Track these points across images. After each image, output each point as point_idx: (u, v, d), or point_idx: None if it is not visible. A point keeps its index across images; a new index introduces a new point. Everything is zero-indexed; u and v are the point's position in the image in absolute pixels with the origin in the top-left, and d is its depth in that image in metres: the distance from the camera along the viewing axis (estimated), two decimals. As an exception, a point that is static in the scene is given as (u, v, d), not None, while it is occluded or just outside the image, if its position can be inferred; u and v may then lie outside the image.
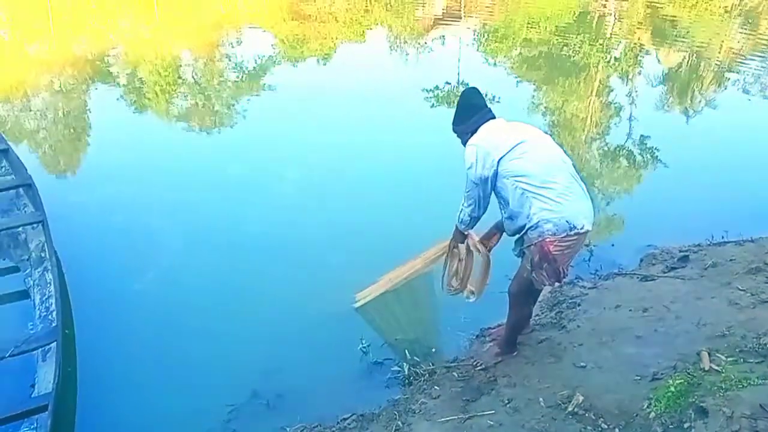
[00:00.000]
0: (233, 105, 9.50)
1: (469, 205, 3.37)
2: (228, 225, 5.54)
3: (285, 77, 11.14)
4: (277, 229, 5.47)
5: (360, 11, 18.03)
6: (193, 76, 11.48)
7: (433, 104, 9.70)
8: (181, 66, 11.98)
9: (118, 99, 9.58)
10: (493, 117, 3.39)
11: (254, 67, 11.66)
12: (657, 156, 7.53)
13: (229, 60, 12.55)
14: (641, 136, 8.17)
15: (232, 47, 13.77)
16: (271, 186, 6.35)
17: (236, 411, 3.62)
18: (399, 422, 3.35)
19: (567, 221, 3.11)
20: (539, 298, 3.93)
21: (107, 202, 5.90)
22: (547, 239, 3.14)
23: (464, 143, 3.40)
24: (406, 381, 3.75)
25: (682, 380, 3.07)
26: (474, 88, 3.52)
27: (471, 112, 3.38)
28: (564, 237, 3.13)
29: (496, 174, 3.21)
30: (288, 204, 5.94)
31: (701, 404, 2.90)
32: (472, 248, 3.66)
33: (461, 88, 10.42)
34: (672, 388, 3.04)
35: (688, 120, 9.62)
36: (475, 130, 3.32)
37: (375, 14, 17.92)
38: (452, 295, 3.86)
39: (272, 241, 5.30)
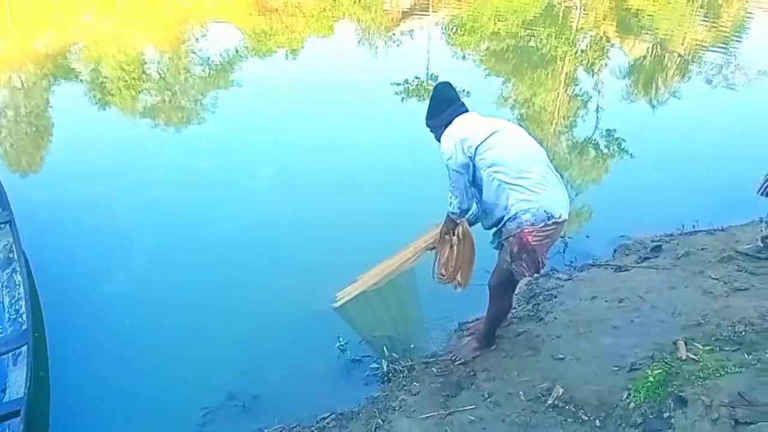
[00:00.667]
0: (201, 100, 9.34)
1: (456, 197, 3.31)
2: (200, 223, 5.42)
3: (253, 72, 11.02)
4: (250, 227, 5.38)
5: (328, 4, 17.90)
6: (158, 72, 11.26)
7: (403, 98, 9.69)
8: (146, 61, 11.75)
9: (82, 96, 9.37)
10: (467, 110, 3.37)
11: (221, 62, 11.50)
12: (624, 147, 7.63)
13: (195, 55, 12.36)
14: (608, 128, 8.26)
15: (198, 42, 13.56)
16: (243, 182, 6.24)
17: (212, 414, 3.54)
18: (379, 420, 3.31)
19: (545, 211, 3.11)
20: (516, 291, 3.90)
21: (76, 201, 5.76)
22: (526, 230, 3.13)
23: (438, 138, 3.37)
24: (385, 378, 3.72)
25: (661, 370, 3.09)
26: (446, 82, 3.50)
27: (444, 105, 3.36)
28: (542, 227, 3.13)
29: (472, 165, 3.19)
30: (260, 200, 5.86)
31: (680, 393, 2.91)
32: (462, 236, 3.57)
33: (431, 82, 10.45)
34: (651, 378, 3.06)
35: (653, 110, 9.78)
36: (449, 124, 3.30)
37: (343, 7, 17.81)
38: (442, 284, 3.79)
39: (246, 238, 5.21)
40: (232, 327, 4.19)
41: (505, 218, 3.21)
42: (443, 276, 3.72)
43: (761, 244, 4.21)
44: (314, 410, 3.54)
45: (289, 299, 4.40)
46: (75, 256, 4.91)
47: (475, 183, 3.27)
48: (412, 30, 15.81)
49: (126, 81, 10.20)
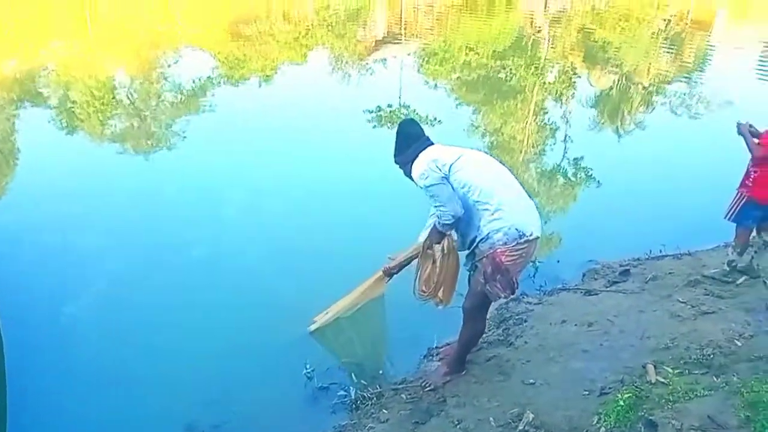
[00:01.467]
0: (171, 126, 9.25)
1: (445, 205, 3.19)
2: (166, 249, 5.30)
3: (225, 98, 10.98)
4: (215, 253, 5.28)
5: (301, 32, 18.03)
6: (128, 97, 11.17)
7: (375, 125, 9.70)
8: (116, 86, 11.65)
9: (49, 120, 9.21)
10: (432, 144, 3.41)
11: (193, 88, 11.44)
12: (591, 175, 7.71)
13: (167, 80, 12.30)
14: (575, 156, 8.36)
15: (170, 67, 13.51)
16: (211, 208, 6.13)
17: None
18: (346, 449, 3.23)
19: (516, 229, 3.12)
20: (486, 315, 3.87)
21: (39, 225, 5.64)
22: (498, 250, 3.12)
23: (406, 173, 3.42)
24: (353, 405, 3.63)
25: (630, 394, 3.06)
26: (410, 119, 3.60)
27: (409, 141, 3.40)
28: (515, 246, 3.12)
29: (448, 179, 3.19)
30: (228, 226, 5.76)
31: (650, 417, 2.89)
32: (447, 250, 3.49)
33: (403, 110, 10.53)
34: (621, 402, 3.03)
35: (619, 140, 9.96)
36: (416, 158, 3.33)
37: (317, 35, 17.96)
38: (423, 301, 3.72)
39: (211, 264, 5.12)
40: (195, 354, 4.06)
41: (478, 239, 3.21)
42: (424, 292, 3.64)
43: (727, 268, 4.25)
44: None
45: (255, 326, 4.32)
46: (37, 279, 4.78)
47: None
48: (385, 59, 15.97)
49: (95, 106, 10.09)
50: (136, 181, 6.97)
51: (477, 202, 3.17)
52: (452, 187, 3.20)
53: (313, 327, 4.02)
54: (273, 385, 3.86)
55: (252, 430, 3.56)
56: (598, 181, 7.45)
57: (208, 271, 5.02)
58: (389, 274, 3.93)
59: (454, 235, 3.45)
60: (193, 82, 11.69)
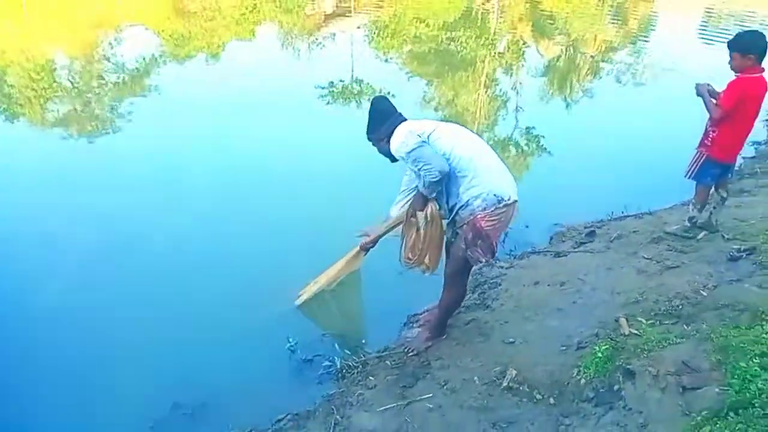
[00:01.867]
0: (116, 108, 8.90)
1: (430, 163, 3.19)
2: (130, 234, 5.16)
3: (171, 77, 10.68)
4: (184, 233, 5.20)
5: (248, 7, 17.65)
6: (69, 79, 10.74)
7: (328, 101, 9.64)
8: (55, 69, 11.18)
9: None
10: (405, 119, 3.43)
11: (137, 67, 11.07)
12: (543, 144, 7.88)
13: (109, 60, 11.86)
14: (528, 126, 8.53)
15: (112, 47, 13.02)
16: (170, 191, 6.00)
17: (158, 426, 3.41)
18: (337, 416, 3.29)
19: (494, 195, 3.20)
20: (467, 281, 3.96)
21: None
22: (478, 215, 3.21)
23: (381, 150, 3.46)
24: (339, 375, 3.69)
25: (607, 346, 3.21)
26: (382, 96, 3.58)
27: (383, 118, 3.43)
28: (494, 210, 3.21)
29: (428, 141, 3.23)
30: (190, 209, 5.63)
31: (628, 366, 3.04)
32: (430, 217, 3.47)
33: (355, 85, 10.48)
34: (599, 354, 3.17)
35: (569, 108, 10.17)
36: (391, 134, 3.35)
37: (264, 11, 17.60)
38: (409, 269, 3.74)
39: (180, 245, 5.04)
40: (174, 337, 4.03)
41: (458, 206, 3.28)
42: (410, 260, 3.66)
43: (688, 224, 4.45)
44: (268, 412, 3.47)
45: (232, 305, 4.30)
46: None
47: None
48: (335, 33, 15.80)
49: (35, 90, 9.68)
50: (85, 166, 6.75)
51: (455, 169, 3.23)
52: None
53: (299, 301, 4.05)
54: (257, 361, 3.88)
55: (239, 404, 3.56)
56: (552, 150, 7.61)
57: (175, 255, 4.95)
58: (366, 249, 4.01)
59: (437, 202, 3.48)
60: (137, 61, 11.32)
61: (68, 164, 6.80)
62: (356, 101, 9.80)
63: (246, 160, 6.78)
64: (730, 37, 4.05)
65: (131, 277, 4.61)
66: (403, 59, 13.14)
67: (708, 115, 4.10)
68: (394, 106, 3.49)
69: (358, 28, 16.27)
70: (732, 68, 3.98)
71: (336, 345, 3.91)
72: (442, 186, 3.30)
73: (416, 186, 3.46)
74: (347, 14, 17.92)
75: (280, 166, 6.65)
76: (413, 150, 3.21)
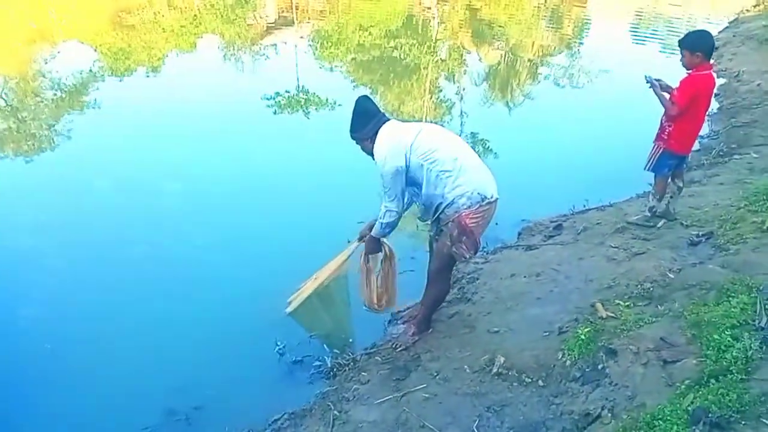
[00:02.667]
0: (55, 126, 8.53)
1: (393, 200, 3.44)
2: (101, 248, 5.12)
3: (112, 91, 10.30)
4: (151, 246, 5.18)
5: (188, 19, 17.43)
6: (2, 97, 10.36)
7: (275, 111, 9.62)
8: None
9: None
10: (388, 119, 3.55)
11: (75, 83, 10.74)
12: (490, 146, 8.04)
13: (45, 77, 11.48)
14: (473, 131, 8.69)
15: (47, 63, 12.61)
16: (128, 202, 5.96)
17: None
18: (335, 412, 3.37)
19: (478, 193, 3.35)
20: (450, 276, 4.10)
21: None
22: (463, 213, 3.35)
23: (364, 148, 3.56)
24: (331, 373, 3.78)
25: (589, 328, 3.42)
26: (366, 96, 3.66)
27: (367, 118, 3.51)
28: (477, 208, 3.36)
29: (408, 164, 3.37)
30: (153, 218, 5.64)
31: (610, 346, 3.25)
32: (389, 254, 3.82)
33: (302, 95, 10.52)
34: (582, 336, 3.37)
35: (511, 111, 10.48)
36: (375, 134, 3.46)
37: (205, 22, 17.41)
38: (375, 313, 4.06)
39: (152, 257, 5.02)
40: (163, 345, 4.05)
41: (443, 205, 3.41)
42: (375, 305, 3.98)
43: (648, 214, 4.74)
44: (264, 414, 3.52)
45: (219, 311, 4.35)
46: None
47: (415, 182, 3.44)
48: (278, 43, 15.78)
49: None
50: (32, 186, 6.55)
51: (441, 171, 3.35)
52: (408, 170, 3.37)
53: (290, 309, 4.10)
54: (248, 365, 3.95)
55: (233, 407, 3.60)
56: (500, 152, 7.71)
57: (151, 265, 4.93)
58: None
59: (387, 241, 3.81)
60: (75, 77, 10.99)
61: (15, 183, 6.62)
62: (303, 110, 9.83)
63: (197, 170, 6.73)
64: (680, 37, 4.34)
65: (112, 288, 4.58)
66: (348, 68, 13.22)
67: (663, 111, 4.38)
68: (377, 106, 3.58)
69: (302, 38, 16.29)
70: (683, 65, 4.27)
71: (324, 345, 4.00)
72: (427, 189, 3.42)
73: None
74: (289, 24, 17.91)
75: (235, 175, 6.65)
76: (388, 175, 3.36)
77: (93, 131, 8.23)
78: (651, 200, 4.71)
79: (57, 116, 8.94)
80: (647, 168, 4.57)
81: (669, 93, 4.29)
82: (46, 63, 12.64)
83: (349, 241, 4.04)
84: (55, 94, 10.20)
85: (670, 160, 4.47)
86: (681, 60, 4.26)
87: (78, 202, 5.94)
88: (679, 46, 4.25)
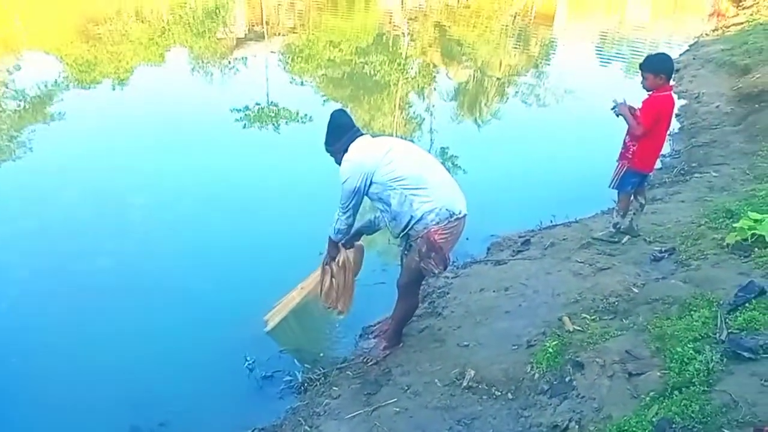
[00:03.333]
0: (17, 138, 8.37)
1: (345, 213, 3.55)
2: (66, 259, 5.06)
3: (77, 103, 10.16)
4: (118, 257, 5.13)
5: (157, 32, 17.30)
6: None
7: (245, 125, 9.59)
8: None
9: None
10: (362, 134, 3.60)
11: (40, 93, 10.54)
12: (458, 163, 8.08)
13: (6, 87, 11.26)
14: (442, 146, 8.77)
15: (10, 73, 12.37)
16: (97, 218, 5.87)
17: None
18: (306, 427, 3.38)
19: (447, 209, 3.41)
20: (419, 291, 4.13)
21: None
22: (432, 229, 3.40)
23: (338, 161, 3.59)
24: (301, 388, 3.79)
25: (556, 342, 3.48)
26: (341, 110, 3.72)
27: (341, 131, 3.56)
28: (446, 224, 3.41)
29: (369, 184, 3.44)
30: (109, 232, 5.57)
31: (577, 359, 3.32)
32: (341, 264, 3.87)
33: (272, 108, 10.52)
34: (549, 350, 3.44)
35: (479, 129, 10.62)
36: (347, 148, 3.51)
37: (174, 35, 17.31)
38: (327, 311, 4.05)
39: (119, 271, 4.97)
40: (128, 358, 4.00)
41: (412, 221, 3.45)
42: (326, 304, 4.01)
43: (613, 230, 4.85)
44: (233, 430, 3.50)
45: (187, 327, 4.32)
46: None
47: (383, 200, 3.48)
48: (247, 57, 15.77)
49: None
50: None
51: (408, 189, 3.40)
52: (369, 187, 3.45)
53: (269, 327, 4.09)
54: (216, 381, 3.92)
55: (202, 424, 3.58)
56: (468, 168, 7.73)
57: (112, 281, 4.86)
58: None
59: (346, 252, 3.89)
60: (38, 88, 10.79)
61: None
62: (273, 124, 9.83)
63: (165, 183, 6.71)
64: (641, 60, 4.48)
65: (83, 297, 4.51)
66: (318, 83, 13.25)
67: (627, 131, 4.50)
68: (352, 120, 3.62)
69: (272, 52, 16.31)
70: (645, 87, 4.41)
71: (295, 360, 4.01)
72: (395, 207, 3.46)
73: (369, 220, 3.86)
74: (259, 38, 17.91)
75: (203, 188, 6.64)
76: (347, 190, 3.45)
77: (57, 143, 8.09)
78: (615, 217, 4.82)
79: (19, 127, 8.77)
80: (612, 186, 4.69)
81: (633, 113, 4.42)
82: (8, 73, 12.41)
83: (321, 253, 4.04)
84: (18, 104, 10.00)
85: (633, 178, 4.59)
86: (642, 82, 4.40)
87: (42, 213, 5.85)
88: (641, 68, 4.39)
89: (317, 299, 4.10)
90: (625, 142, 4.55)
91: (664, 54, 4.51)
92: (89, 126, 8.68)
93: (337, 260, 3.86)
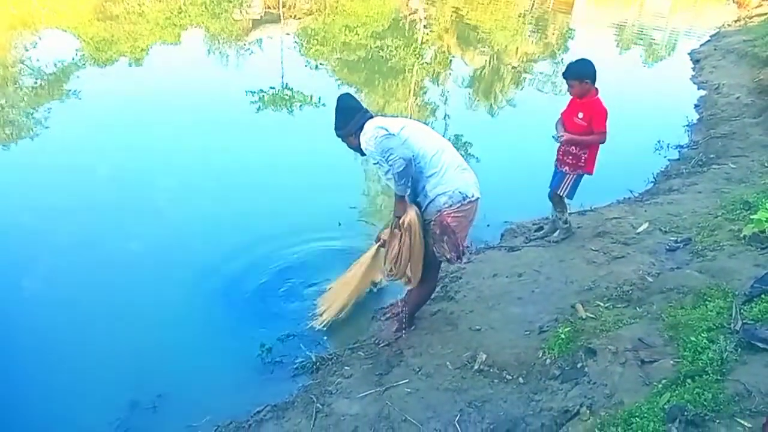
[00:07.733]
0: (33, 114, 8.38)
1: (393, 154, 3.27)
2: (86, 237, 5.10)
3: (93, 82, 10.20)
4: (136, 240, 5.15)
5: (173, 11, 17.29)
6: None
7: (259, 107, 9.60)
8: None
9: None
10: (372, 116, 3.56)
11: (56, 71, 10.59)
12: (472, 151, 8.08)
13: (26, 64, 11.32)
14: (456, 133, 8.72)
15: (28, 51, 12.43)
16: (121, 197, 5.89)
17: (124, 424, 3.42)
18: (318, 404, 3.40)
19: (460, 192, 3.40)
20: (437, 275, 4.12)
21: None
22: (444, 212, 3.40)
23: (349, 145, 3.57)
24: (314, 368, 3.79)
25: (569, 328, 3.49)
26: (348, 94, 3.68)
27: (351, 114, 3.52)
28: (459, 207, 3.41)
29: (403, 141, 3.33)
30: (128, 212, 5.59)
31: (589, 345, 3.33)
32: (408, 226, 3.47)
33: (286, 92, 10.52)
34: (562, 336, 3.45)
35: (493, 116, 10.57)
36: (360, 129, 3.47)
37: (190, 15, 17.29)
38: (392, 280, 3.93)
39: (135, 251, 5.00)
40: (146, 337, 4.03)
41: (426, 203, 3.45)
42: (392, 272, 3.71)
43: (566, 226, 4.84)
44: (246, 406, 3.53)
45: (195, 306, 4.34)
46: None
47: None
48: (264, 39, 15.72)
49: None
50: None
51: (423, 168, 3.38)
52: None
53: (319, 322, 4.11)
54: (231, 361, 3.92)
55: (216, 401, 3.60)
56: (482, 155, 7.75)
57: (126, 260, 4.88)
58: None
59: (412, 213, 3.49)
60: (56, 65, 10.83)
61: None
62: (287, 108, 9.82)
63: (178, 162, 6.73)
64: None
65: (86, 285, 4.55)
66: (333, 66, 13.21)
67: (564, 145, 4.56)
68: (360, 103, 3.60)
69: (288, 35, 16.26)
70: (573, 95, 4.40)
71: (307, 341, 4.02)
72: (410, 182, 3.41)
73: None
74: (275, 21, 17.86)
75: (216, 167, 6.66)
76: (380, 141, 3.29)
77: (72, 121, 8.10)
78: (562, 216, 4.84)
79: (35, 104, 8.81)
80: (566, 194, 4.69)
81: (559, 135, 4.49)
82: (26, 50, 12.47)
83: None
84: (35, 82, 10.04)
85: (580, 180, 4.64)
86: (569, 90, 4.41)
87: (54, 190, 5.88)
88: (565, 78, 4.39)
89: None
90: (571, 152, 4.55)
91: (584, 59, 4.42)
92: (104, 105, 8.70)
93: (402, 220, 3.49)
